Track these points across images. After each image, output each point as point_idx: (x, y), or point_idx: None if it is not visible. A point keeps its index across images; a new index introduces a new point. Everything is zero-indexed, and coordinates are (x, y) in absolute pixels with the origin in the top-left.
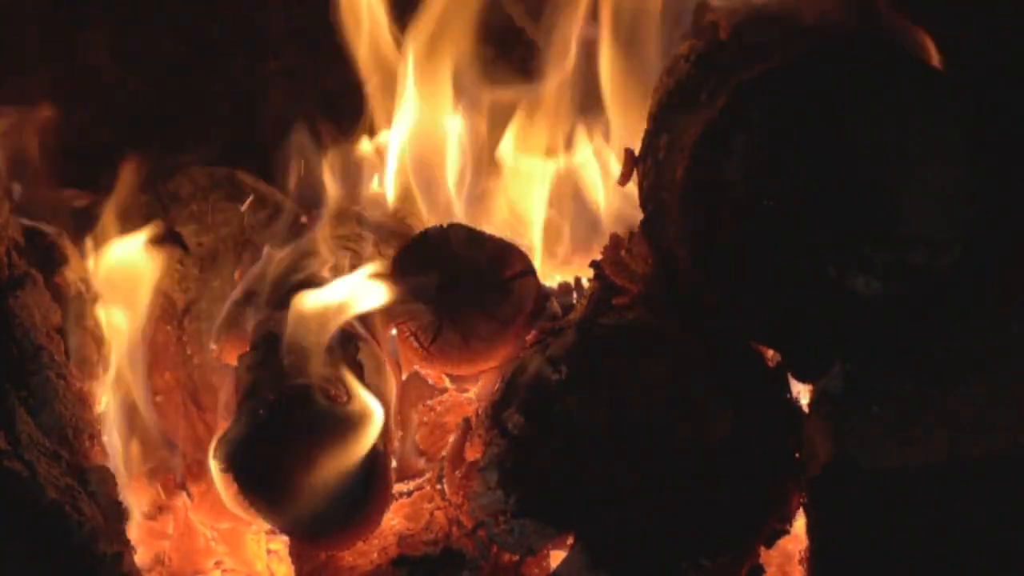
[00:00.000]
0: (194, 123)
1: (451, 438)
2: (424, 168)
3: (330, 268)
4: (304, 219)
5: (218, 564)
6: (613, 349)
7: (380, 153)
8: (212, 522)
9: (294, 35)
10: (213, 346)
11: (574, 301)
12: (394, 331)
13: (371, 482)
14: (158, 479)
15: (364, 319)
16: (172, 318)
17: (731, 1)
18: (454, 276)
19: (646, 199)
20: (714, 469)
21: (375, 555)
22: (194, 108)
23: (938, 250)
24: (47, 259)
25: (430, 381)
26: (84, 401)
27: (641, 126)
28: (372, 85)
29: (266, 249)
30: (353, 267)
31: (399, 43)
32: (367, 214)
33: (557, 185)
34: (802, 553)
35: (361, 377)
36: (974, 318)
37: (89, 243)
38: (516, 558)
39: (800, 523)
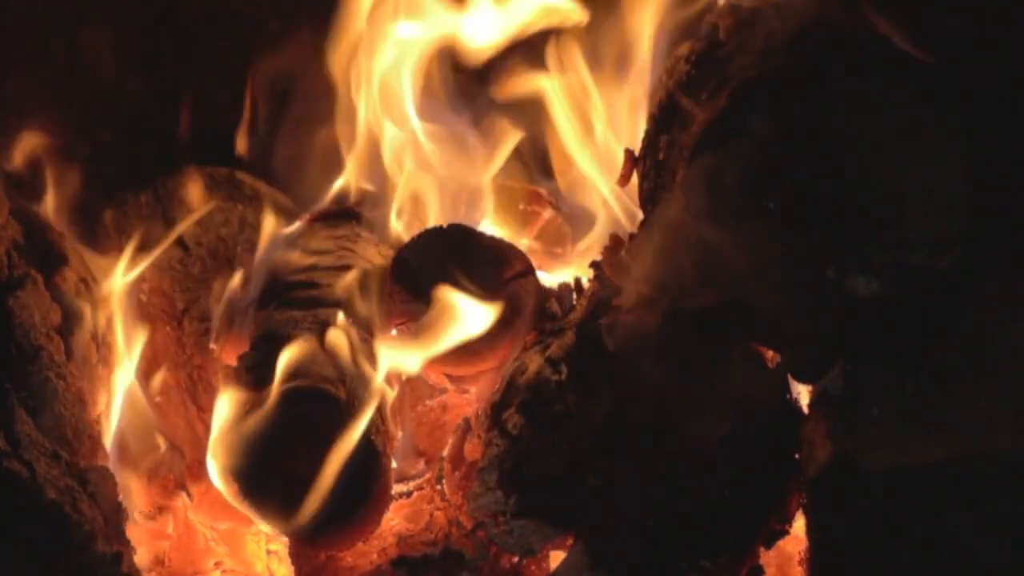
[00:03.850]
0: (193, 123)
1: (451, 438)
2: (424, 167)
3: (329, 268)
4: (304, 219)
5: (218, 564)
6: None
7: (381, 152)
8: (212, 522)
9: (293, 34)
10: (213, 346)
11: (574, 301)
12: (394, 331)
13: (371, 482)
14: (158, 479)
15: (364, 320)
16: (172, 318)
17: (731, 3)
18: (454, 276)
19: (646, 199)
20: (714, 469)
21: (375, 555)
22: (193, 108)
23: (938, 250)
24: (47, 259)
25: (430, 381)
26: (84, 401)
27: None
28: (372, 85)
29: (266, 249)
30: (351, 267)
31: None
32: (367, 214)
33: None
34: (802, 554)
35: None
36: (974, 318)
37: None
38: (516, 559)
39: (800, 523)
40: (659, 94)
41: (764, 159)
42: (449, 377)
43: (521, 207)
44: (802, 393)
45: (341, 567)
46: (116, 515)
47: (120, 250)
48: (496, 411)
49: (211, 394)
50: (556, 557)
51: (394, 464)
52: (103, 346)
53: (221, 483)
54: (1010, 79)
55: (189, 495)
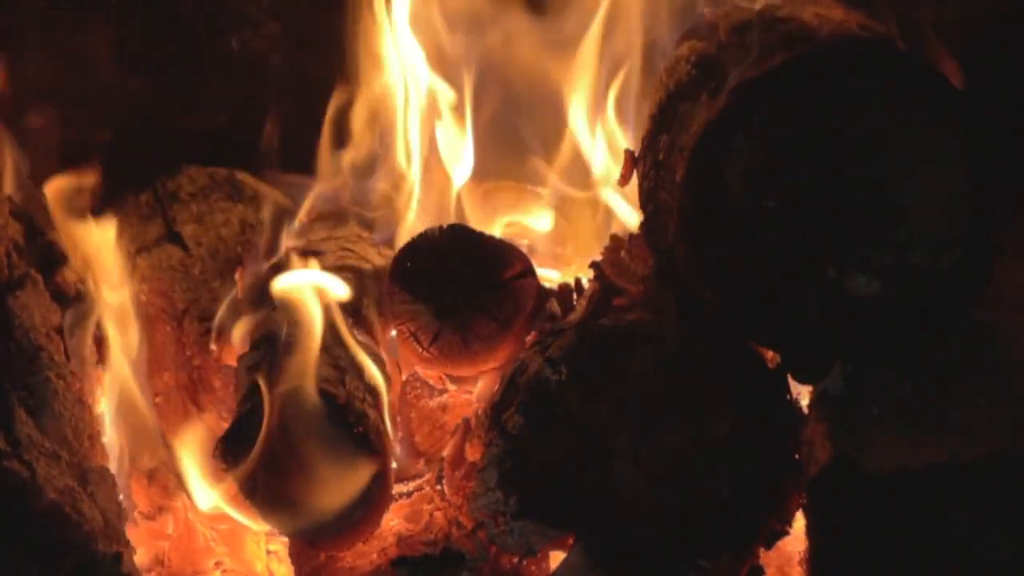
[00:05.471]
0: (194, 123)
1: (451, 438)
2: (425, 167)
3: (329, 268)
4: (304, 220)
5: (218, 564)
6: (613, 350)
7: (382, 152)
8: (212, 522)
9: (293, 35)
10: (213, 346)
11: (574, 302)
12: (394, 332)
13: (371, 483)
14: (158, 479)
15: (364, 320)
16: (172, 318)
17: (731, 3)
18: (454, 277)
19: (646, 200)
20: (714, 470)
21: (375, 556)
22: (194, 108)
23: (938, 250)
24: (47, 259)
25: (430, 382)
26: (84, 401)
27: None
28: (373, 84)
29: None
30: (352, 268)
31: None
32: (368, 214)
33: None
34: (801, 554)
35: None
36: (974, 318)
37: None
38: (516, 559)
39: (800, 524)
40: (659, 94)
41: (764, 159)
42: (449, 378)
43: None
44: (802, 393)
45: (341, 567)
46: (116, 515)
47: (120, 249)
48: (496, 411)
49: (211, 394)
50: (556, 557)
51: (394, 464)
52: (103, 346)
53: (222, 485)
54: (1010, 79)
55: (189, 495)
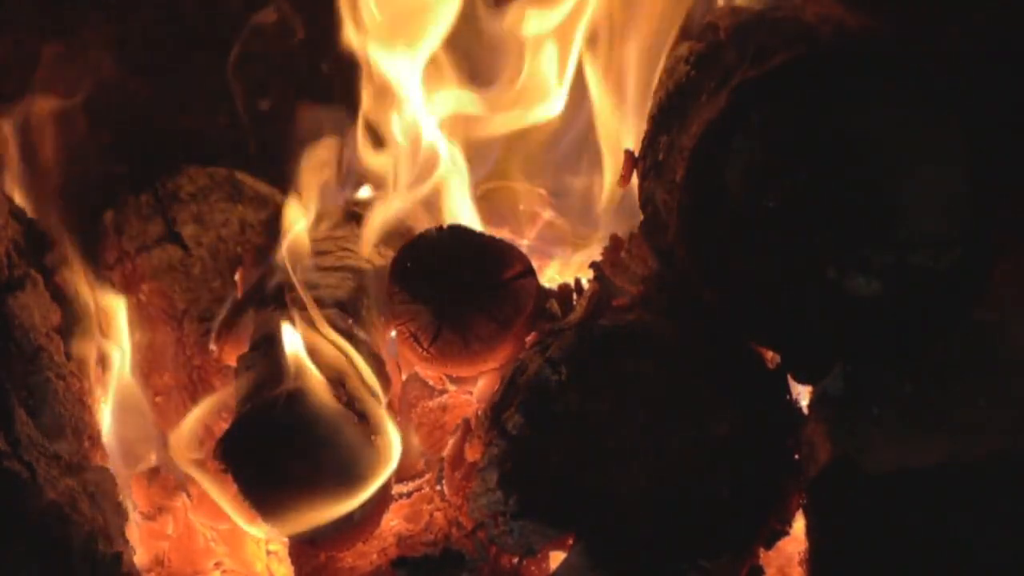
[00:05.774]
0: (194, 123)
1: (451, 438)
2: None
3: (329, 269)
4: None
5: (218, 565)
6: (613, 350)
7: (382, 151)
8: (212, 522)
9: (294, 32)
10: (213, 346)
11: (574, 302)
12: (394, 332)
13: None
14: (158, 479)
15: (363, 320)
16: (172, 318)
17: (731, 3)
18: (454, 277)
19: (646, 200)
20: (714, 470)
21: (375, 556)
22: (194, 108)
23: (938, 251)
24: (47, 259)
25: (430, 382)
26: (84, 402)
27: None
28: (373, 80)
29: (266, 249)
30: (351, 268)
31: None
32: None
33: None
34: (802, 555)
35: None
36: (974, 318)
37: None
38: (516, 559)
39: (800, 524)
40: (659, 94)
41: (764, 159)
42: (449, 378)
43: (521, 207)
44: (802, 394)
45: (341, 567)
46: (116, 515)
47: (120, 250)
48: (496, 411)
49: (211, 394)
50: (556, 557)
51: None
52: (103, 346)
53: (220, 485)
54: (1010, 79)
55: (189, 495)
